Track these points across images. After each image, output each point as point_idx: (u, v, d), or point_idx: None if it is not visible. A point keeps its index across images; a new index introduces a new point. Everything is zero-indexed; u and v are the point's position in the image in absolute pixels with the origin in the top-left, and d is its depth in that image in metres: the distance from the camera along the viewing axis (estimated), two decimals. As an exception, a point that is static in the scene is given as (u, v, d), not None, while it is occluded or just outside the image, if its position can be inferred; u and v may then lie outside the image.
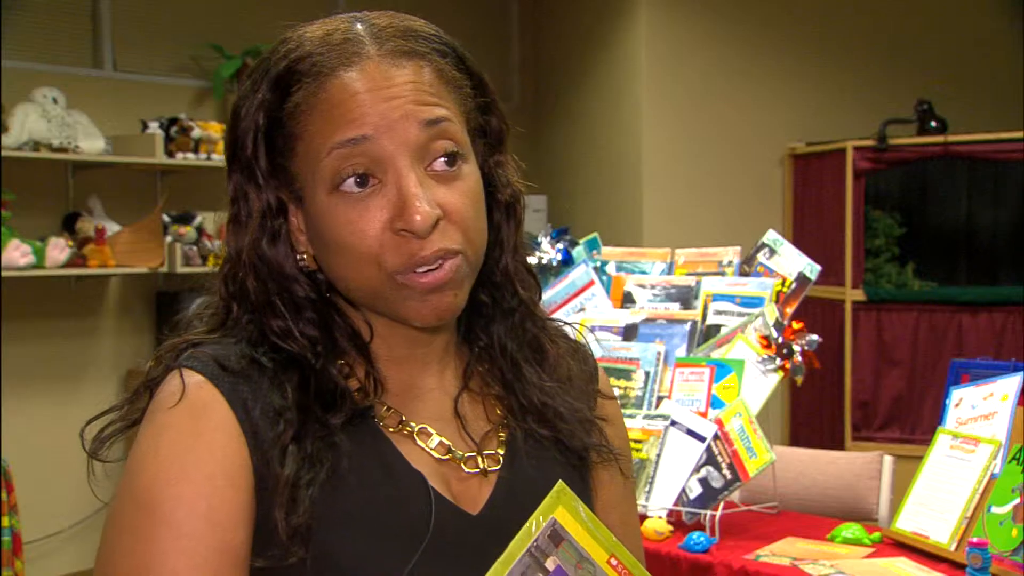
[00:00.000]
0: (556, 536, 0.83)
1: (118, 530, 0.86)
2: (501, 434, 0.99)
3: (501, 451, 0.97)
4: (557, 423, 1.00)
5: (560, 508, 0.84)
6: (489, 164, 0.98)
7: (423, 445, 0.94)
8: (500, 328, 1.01)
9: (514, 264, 1.00)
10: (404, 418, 0.95)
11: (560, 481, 0.85)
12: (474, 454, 0.96)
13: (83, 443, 0.91)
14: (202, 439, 0.86)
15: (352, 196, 0.88)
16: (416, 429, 0.95)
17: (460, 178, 0.91)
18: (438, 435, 0.95)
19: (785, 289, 2.70)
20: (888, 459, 2.91)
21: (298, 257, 0.94)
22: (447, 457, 0.95)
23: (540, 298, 1.04)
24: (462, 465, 0.95)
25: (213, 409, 0.87)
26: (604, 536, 0.85)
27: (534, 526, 0.83)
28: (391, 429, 0.94)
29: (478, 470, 0.95)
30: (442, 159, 0.90)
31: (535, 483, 0.92)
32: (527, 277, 1.02)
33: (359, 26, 0.91)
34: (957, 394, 2.36)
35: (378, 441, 0.92)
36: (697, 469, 2.44)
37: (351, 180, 0.88)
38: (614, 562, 0.85)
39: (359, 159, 0.88)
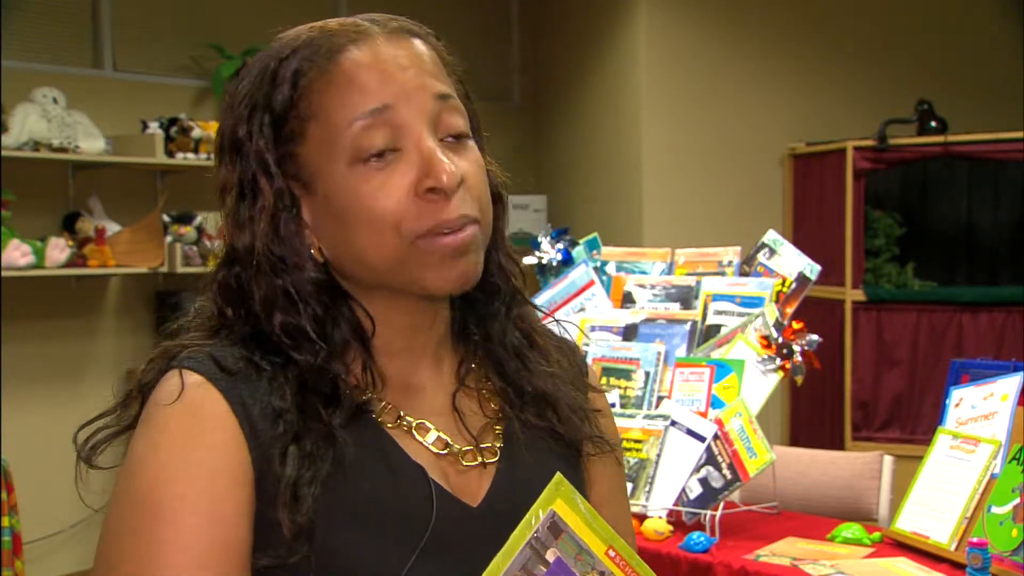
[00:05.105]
0: (555, 528, 0.84)
1: (117, 531, 0.86)
2: (497, 428, 0.99)
3: (498, 444, 0.98)
4: (556, 410, 1.01)
5: (559, 500, 0.85)
6: None
7: (421, 440, 0.95)
8: (495, 320, 1.02)
9: (503, 255, 1.01)
10: (402, 413, 0.95)
11: (558, 473, 0.86)
12: (471, 448, 0.97)
13: (76, 448, 0.91)
14: (202, 437, 0.86)
15: (373, 166, 0.89)
16: (414, 424, 0.95)
17: (469, 150, 0.93)
18: (436, 430, 0.96)
19: (785, 289, 2.70)
20: (888, 459, 2.91)
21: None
22: (445, 452, 0.95)
23: (526, 284, 1.05)
24: (460, 459, 0.96)
25: (211, 407, 0.87)
26: (602, 528, 0.86)
27: (534, 519, 0.84)
28: (389, 425, 0.94)
29: (476, 463, 0.96)
30: (451, 136, 0.92)
31: (533, 475, 0.93)
32: (514, 266, 1.03)
33: (356, 18, 0.95)
34: (957, 394, 2.36)
35: (377, 436, 0.93)
36: (697, 469, 2.44)
37: (374, 151, 0.89)
38: (612, 553, 0.86)
39: (382, 129, 0.89)
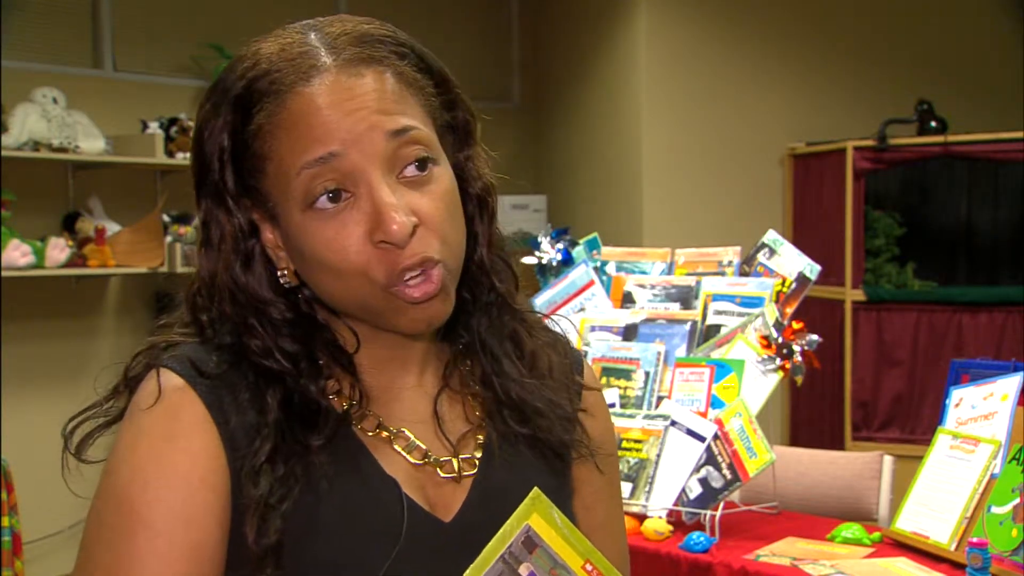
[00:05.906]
0: (530, 543, 0.84)
1: (97, 527, 0.88)
2: (479, 436, 0.98)
3: (478, 454, 0.97)
4: (535, 419, 0.99)
5: (535, 515, 0.84)
6: (459, 159, 0.96)
7: (399, 450, 0.94)
8: (479, 323, 1.00)
9: (489, 257, 0.99)
10: (382, 421, 0.94)
11: (536, 488, 0.85)
12: (449, 458, 0.95)
13: (66, 441, 0.91)
14: (178, 441, 0.87)
15: (327, 212, 0.87)
16: (394, 433, 0.94)
17: (432, 181, 0.90)
18: (416, 439, 0.95)
19: (785, 289, 2.70)
20: (888, 459, 2.91)
21: (279, 274, 0.93)
22: (423, 462, 0.94)
23: (518, 289, 1.03)
24: (438, 470, 0.94)
25: (190, 411, 0.88)
26: (579, 542, 0.85)
27: (508, 532, 0.83)
28: (369, 433, 0.93)
29: (453, 475, 0.95)
30: (412, 165, 0.89)
31: (510, 488, 0.91)
32: (504, 269, 1.01)
33: (313, 36, 0.90)
34: (957, 394, 2.36)
35: (354, 448, 0.92)
36: (697, 469, 2.44)
37: (324, 197, 0.87)
38: (589, 568, 0.85)
39: (330, 176, 0.87)
